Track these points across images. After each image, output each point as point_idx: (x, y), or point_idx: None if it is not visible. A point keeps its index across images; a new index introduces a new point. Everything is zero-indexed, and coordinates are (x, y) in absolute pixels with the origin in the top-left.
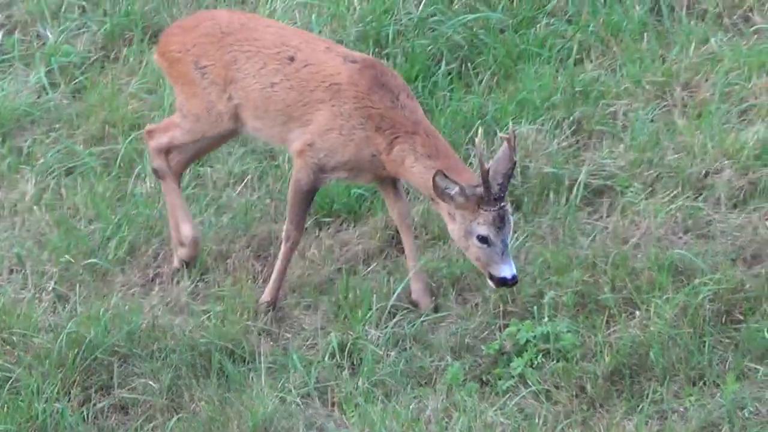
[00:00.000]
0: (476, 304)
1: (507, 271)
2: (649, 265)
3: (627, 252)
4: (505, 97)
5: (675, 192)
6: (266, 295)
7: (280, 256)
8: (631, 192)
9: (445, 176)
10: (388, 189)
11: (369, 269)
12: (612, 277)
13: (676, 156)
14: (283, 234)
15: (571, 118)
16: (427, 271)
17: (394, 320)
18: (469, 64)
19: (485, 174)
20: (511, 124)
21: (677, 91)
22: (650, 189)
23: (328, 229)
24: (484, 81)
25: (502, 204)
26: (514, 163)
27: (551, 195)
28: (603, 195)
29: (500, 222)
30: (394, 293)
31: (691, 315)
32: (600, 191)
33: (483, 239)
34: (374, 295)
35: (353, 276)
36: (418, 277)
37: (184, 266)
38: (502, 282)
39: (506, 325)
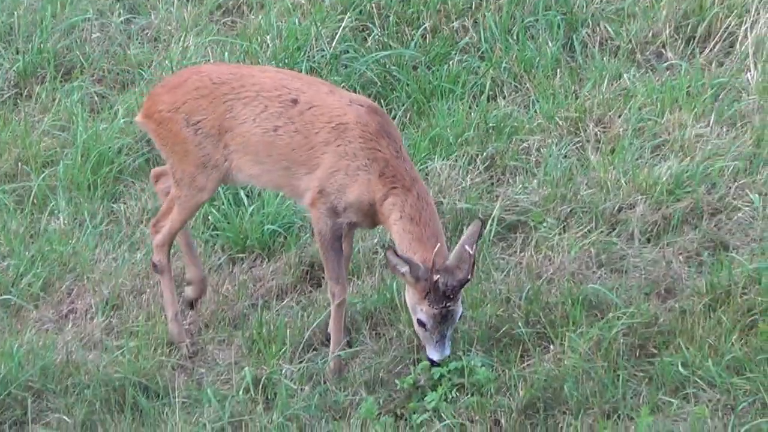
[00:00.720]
0: (390, 339)
1: (435, 355)
2: (563, 299)
3: (541, 286)
4: (419, 133)
5: (589, 227)
6: (331, 365)
7: (332, 318)
8: (545, 227)
9: (396, 254)
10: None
11: (283, 304)
12: (526, 311)
13: (589, 191)
14: (329, 293)
15: (485, 154)
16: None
17: (308, 355)
18: (382, 101)
19: (434, 283)
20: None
21: (590, 127)
22: (564, 224)
23: (242, 264)
24: (397, 117)
25: (448, 304)
26: (468, 280)
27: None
28: (517, 230)
29: (441, 318)
30: (308, 328)
31: (605, 349)
32: (514, 226)
33: (421, 323)
34: (288, 330)
35: (267, 311)
36: None
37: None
38: (428, 359)
39: (420, 360)
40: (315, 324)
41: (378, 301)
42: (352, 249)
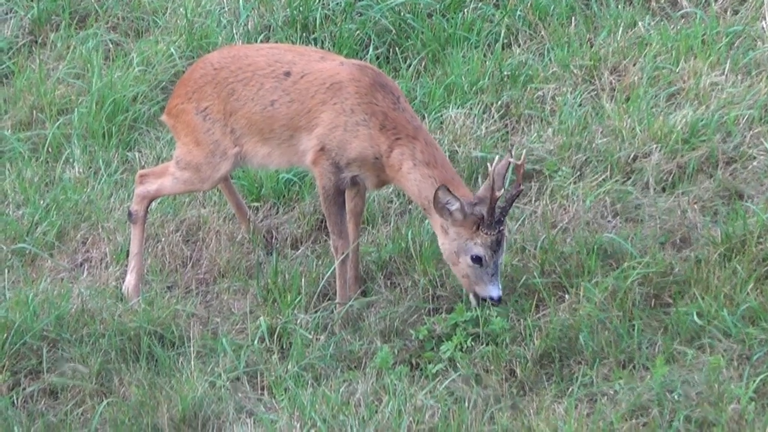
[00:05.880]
0: (405, 289)
1: (494, 291)
2: (578, 248)
3: (556, 236)
4: (434, 81)
5: (604, 176)
6: (339, 319)
7: (336, 270)
8: (560, 176)
9: (448, 191)
10: (355, 185)
11: (298, 253)
12: (541, 260)
13: (604, 140)
14: (332, 248)
15: (500, 103)
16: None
17: (323, 304)
18: (397, 49)
19: (494, 200)
20: (519, 152)
21: (605, 75)
22: (579, 173)
23: (257, 213)
24: (412, 65)
25: (502, 228)
26: (521, 190)
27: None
28: (532, 179)
29: (497, 245)
30: (323, 277)
31: (621, 298)
32: (529, 175)
33: (477, 259)
34: (303, 280)
35: (282, 260)
36: (351, 265)
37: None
38: (487, 300)
39: (435, 309)
40: (329, 273)
41: (393, 251)
42: (365, 203)
